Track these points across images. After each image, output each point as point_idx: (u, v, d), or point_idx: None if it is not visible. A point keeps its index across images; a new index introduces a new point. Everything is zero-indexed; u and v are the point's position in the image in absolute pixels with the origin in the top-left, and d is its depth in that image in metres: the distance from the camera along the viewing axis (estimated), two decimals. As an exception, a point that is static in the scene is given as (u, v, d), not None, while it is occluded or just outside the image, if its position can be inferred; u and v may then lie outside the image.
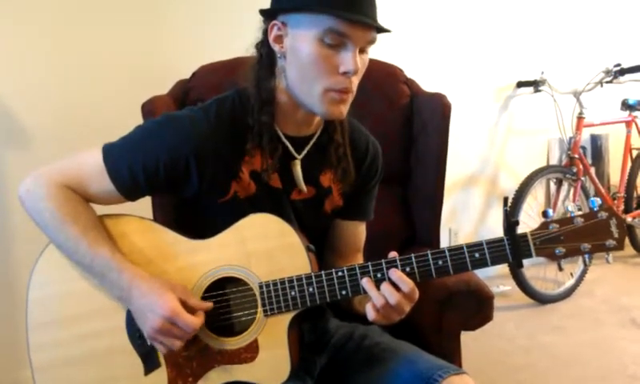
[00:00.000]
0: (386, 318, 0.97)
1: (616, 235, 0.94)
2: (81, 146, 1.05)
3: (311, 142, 1.11)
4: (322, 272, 0.99)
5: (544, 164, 3.32)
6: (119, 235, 1.04)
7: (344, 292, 0.98)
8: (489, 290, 1.29)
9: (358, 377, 1.10)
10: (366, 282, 0.96)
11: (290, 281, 0.99)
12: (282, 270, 1.00)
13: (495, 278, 3.06)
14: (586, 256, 0.97)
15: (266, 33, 1.02)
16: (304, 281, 0.99)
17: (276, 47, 1.01)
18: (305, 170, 1.10)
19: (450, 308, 1.29)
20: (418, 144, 1.61)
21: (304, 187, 1.11)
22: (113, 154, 1.02)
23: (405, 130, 1.62)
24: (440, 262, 0.96)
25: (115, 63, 2.09)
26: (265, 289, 1.00)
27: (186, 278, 1.02)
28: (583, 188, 2.96)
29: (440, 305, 1.29)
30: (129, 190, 1.03)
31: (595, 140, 3.58)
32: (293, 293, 0.99)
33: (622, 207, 3.30)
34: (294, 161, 1.09)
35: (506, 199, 1.05)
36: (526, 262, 0.96)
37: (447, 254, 0.96)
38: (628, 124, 3.31)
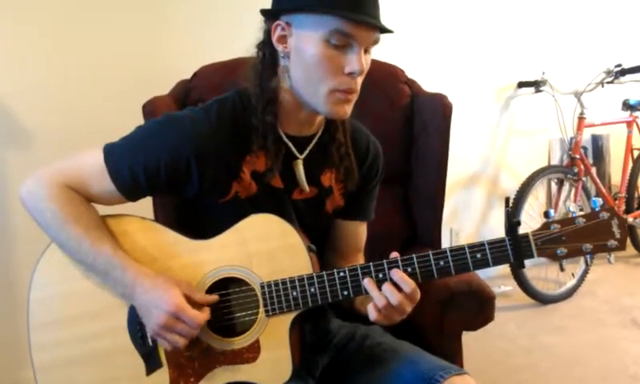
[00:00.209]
0: (388, 318, 0.97)
1: (617, 235, 0.94)
2: (81, 146, 1.05)
3: (313, 142, 1.10)
4: (324, 272, 0.99)
5: (545, 164, 3.32)
6: (121, 234, 1.04)
7: (345, 292, 0.98)
8: (490, 290, 1.29)
9: (360, 377, 1.10)
10: (368, 283, 0.96)
11: (292, 281, 0.99)
12: (283, 270, 1.00)
13: (496, 278, 3.06)
14: (588, 256, 0.97)
15: (268, 33, 1.02)
16: (305, 281, 0.99)
17: (279, 47, 1.01)
18: (306, 170, 1.10)
19: (452, 308, 1.29)
20: (419, 144, 1.61)
21: (306, 187, 1.11)
22: (114, 155, 1.02)
23: (406, 130, 1.62)
24: (442, 263, 0.96)
25: (116, 63, 2.09)
26: (266, 289, 1.00)
27: (187, 278, 1.02)
28: (584, 188, 2.96)
29: (441, 305, 1.29)
30: (130, 191, 1.03)
31: (596, 140, 3.58)
32: (294, 293, 0.99)
33: (623, 207, 3.30)
34: (296, 161, 1.09)
35: (507, 199, 1.05)
36: (527, 262, 0.96)
37: (449, 254, 0.96)
38: (629, 124, 3.31)
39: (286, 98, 1.05)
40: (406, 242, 1.61)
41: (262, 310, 1.00)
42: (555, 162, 3.39)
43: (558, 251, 0.95)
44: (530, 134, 3.31)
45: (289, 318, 1.00)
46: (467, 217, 3.19)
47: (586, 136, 3.27)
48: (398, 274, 0.95)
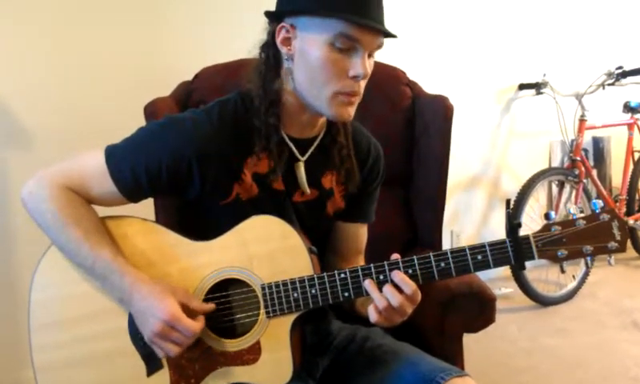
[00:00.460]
0: (389, 320, 0.97)
1: (618, 237, 0.94)
2: (82, 146, 1.05)
3: (315, 144, 1.11)
4: (325, 274, 0.99)
5: (546, 166, 3.31)
6: (121, 237, 1.04)
7: (346, 294, 0.98)
8: (491, 292, 1.29)
9: (360, 379, 1.10)
10: (369, 284, 0.96)
11: (293, 282, 0.99)
12: (284, 271, 1.00)
13: (497, 280, 3.06)
14: (588, 258, 0.97)
15: (272, 34, 1.02)
16: (306, 282, 0.99)
17: (283, 49, 1.01)
18: (307, 172, 1.10)
19: (453, 310, 1.29)
20: (420, 146, 1.61)
21: (307, 189, 1.11)
22: (115, 156, 1.02)
23: (407, 131, 1.62)
24: (442, 264, 0.96)
25: (117, 64, 2.09)
26: (267, 290, 1.00)
27: (188, 279, 1.02)
28: (585, 190, 2.95)
29: (442, 307, 1.29)
30: (131, 192, 1.03)
31: (597, 142, 3.58)
32: (295, 294, 0.99)
33: (623, 209, 3.29)
34: (298, 163, 1.09)
35: (508, 201, 1.05)
36: (528, 264, 0.96)
37: (449, 255, 0.96)
38: (630, 126, 3.30)
39: (288, 100, 1.05)
40: (406, 243, 1.61)
41: (262, 311, 1.00)
42: (556, 164, 3.39)
43: (559, 253, 0.95)
44: (531, 135, 3.31)
45: (290, 319, 1.00)
46: (468, 218, 3.19)
47: (586, 138, 3.27)
48: (398, 276, 0.95)
